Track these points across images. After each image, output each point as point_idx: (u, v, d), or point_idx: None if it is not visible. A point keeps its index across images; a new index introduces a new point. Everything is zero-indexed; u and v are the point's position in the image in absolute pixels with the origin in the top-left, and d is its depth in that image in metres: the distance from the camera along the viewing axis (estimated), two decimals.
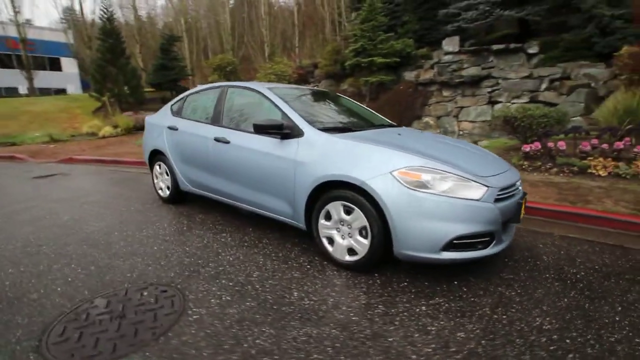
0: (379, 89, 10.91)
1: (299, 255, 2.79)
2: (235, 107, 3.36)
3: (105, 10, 12.88)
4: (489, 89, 9.39)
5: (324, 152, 2.55)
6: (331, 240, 2.59)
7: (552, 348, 1.76)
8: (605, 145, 4.47)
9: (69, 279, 2.44)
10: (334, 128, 2.83)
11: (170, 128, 3.83)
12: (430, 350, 1.75)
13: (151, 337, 1.85)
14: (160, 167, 4.09)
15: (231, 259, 2.73)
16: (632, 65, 6.20)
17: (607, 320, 1.96)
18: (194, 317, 2.01)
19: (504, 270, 2.53)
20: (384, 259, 2.40)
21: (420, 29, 12.74)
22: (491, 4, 10.19)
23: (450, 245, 2.18)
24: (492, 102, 9.33)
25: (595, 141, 4.58)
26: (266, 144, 2.88)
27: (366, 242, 2.37)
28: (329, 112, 3.38)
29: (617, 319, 1.98)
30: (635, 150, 4.27)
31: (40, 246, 3.01)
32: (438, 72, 10.52)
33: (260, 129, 2.74)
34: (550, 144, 4.83)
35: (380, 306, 2.11)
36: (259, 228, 3.34)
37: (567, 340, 1.81)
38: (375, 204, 2.28)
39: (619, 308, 2.08)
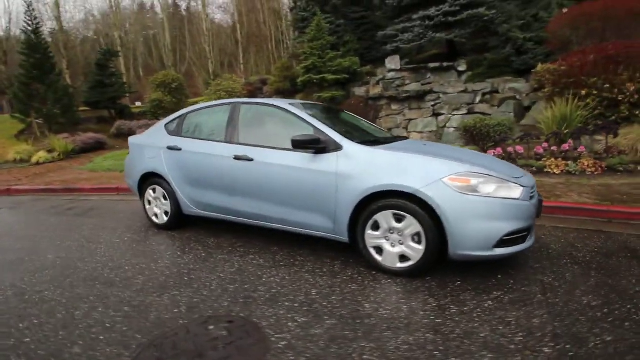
0: (330, 105, 11.28)
1: (343, 268, 2.78)
2: (254, 123, 3.26)
3: (30, 22, 11.24)
4: (432, 103, 10.33)
5: (369, 164, 2.62)
6: (379, 250, 2.65)
7: (609, 320, 2.03)
8: (554, 148, 5.25)
9: (107, 325, 2.12)
10: (367, 141, 2.92)
11: (171, 148, 3.54)
12: (521, 338, 1.90)
13: None
14: (155, 192, 3.73)
15: (278, 280, 2.62)
16: (552, 79, 7.36)
17: (632, 292, 2.32)
18: (282, 343, 1.90)
19: (529, 261, 2.83)
20: (438, 261, 2.53)
21: (361, 48, 13.62)
22: (424, 27, 11.33)
23: (501, 242, 2.40)
24: (435, 115, 10.27)
25: (545, 145, 5.35)
26: (298, 159, 2.85)
27: (420, 247, 2.48)
28: (347, 126, 3.45)
29: (638, 289, 2.36)
30: (579, 150, 5.10)
31: (40, 292, 2.55)
32: (384, 88, 11.29)
33: (299, 145, 2.72)
34: (510, 149, 5.51)
35: (452, 306, 2.22)
36: (284, 246, 3.25)
37: (616, 312, 2.10)
38: (429, 210, 2.42)
39: (634, 281, 2.47)
